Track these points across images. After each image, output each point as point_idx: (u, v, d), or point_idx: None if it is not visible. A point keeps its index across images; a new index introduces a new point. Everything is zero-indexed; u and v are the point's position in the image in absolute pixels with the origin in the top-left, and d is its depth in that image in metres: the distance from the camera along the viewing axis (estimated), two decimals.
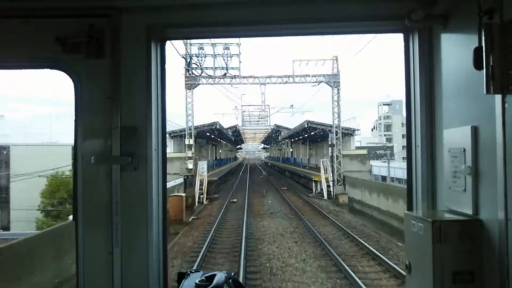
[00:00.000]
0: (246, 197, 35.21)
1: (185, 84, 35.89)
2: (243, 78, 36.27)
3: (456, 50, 2.08)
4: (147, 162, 2.34)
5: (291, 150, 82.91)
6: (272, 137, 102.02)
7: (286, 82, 36.47)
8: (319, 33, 2.72)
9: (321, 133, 46.64)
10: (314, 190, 39.18)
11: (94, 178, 2.35)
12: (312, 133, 47.58)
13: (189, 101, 36.56)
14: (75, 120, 2.37)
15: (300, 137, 58.89)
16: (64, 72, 2.39)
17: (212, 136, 52.71)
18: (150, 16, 2.36)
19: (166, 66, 2.52)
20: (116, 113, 2.31)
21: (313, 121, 42.05)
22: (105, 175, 2.32)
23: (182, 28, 2.48)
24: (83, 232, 2.34)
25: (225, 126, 59.33)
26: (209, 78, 36.34)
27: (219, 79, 36.32)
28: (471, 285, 1.87)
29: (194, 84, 36.43)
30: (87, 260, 2.33)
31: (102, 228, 2.32)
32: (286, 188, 43.09)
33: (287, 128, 72.66)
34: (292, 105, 51.76)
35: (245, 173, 76.40)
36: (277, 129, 74.46)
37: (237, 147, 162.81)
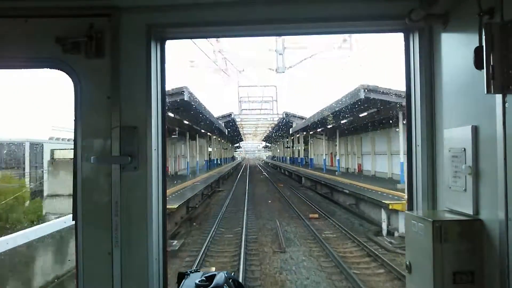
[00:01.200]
0: (241, 258, 14.59)
1: None
2: None
3: (457, 49, 2.09)
4: (147, 162, 2.34)
5: (304, 147, 62.64)
6: (273, 137, 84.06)
7: None
8: (320, 33, 2.71)
9: (379, 113, 25.88)
10: (385, 227, 18.63)
11: (94, 178, 2.35)
12: (358, 114, 26.76)
13: None
14: (75, 120, 2.36)
15: (331, 125, 36.26)
16: (64, 71, 2.39)
17: (187, 122, 31.82)
18: (150, 16, 2.37)
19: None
20: (115, 113, 2.32)
21: (377, 88, 21.11)
22: (105, 175, 2.32)
23: (182, 27, 2.46)
24: (83, 232, 2.33)
25: (216, 112, 40.87)
26: None
27: None
28: (472, 285, 1.86)
29: None
30: (87, 260, 2.33)
31: (101, 228, 2.32)
32: (317, 216, 22.75)
33: (300, 118, 53.43)
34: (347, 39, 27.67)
35: (243, 177, 55.33)
36: (287, 119, 55.06)
37: (236, 145, 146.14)
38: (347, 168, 43.44)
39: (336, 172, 38.48)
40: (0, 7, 2.32)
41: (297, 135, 59.41)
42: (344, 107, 26.27)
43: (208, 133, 50.91)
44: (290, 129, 56.08)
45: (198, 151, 47.79)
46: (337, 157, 43.35)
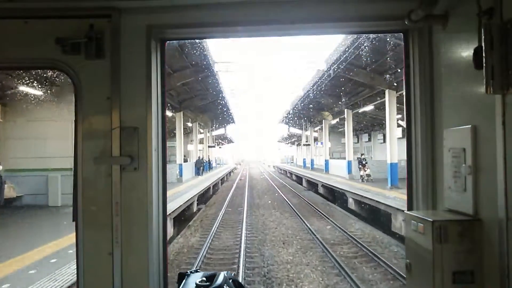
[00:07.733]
0: None
1: None
2: None
3: (456, 50, 2.11)
4: (147, 163, 2.37)
5: None
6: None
7: None
8: (319, 33, 2.68)
9: None
10: None
11: (94, 178, 2.38)
12: None
13: None
14: (75, 121, 2.41)
15: None
16: (64, 72, 2.43)
17: None
18: (150, 17, 2.39)
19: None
20: (116, 114, 2.35)
21: None
22: (105, 175, 2.36)
23: (182, 28, 2.51)
24: (83, 233, 2.36)
25: None
26: None
27: None
28: (471, 285, 1.89)
29: None
30: (87, 260, 2.36)
31: (102, 228, 2.35)
32: None
33: None
34: None
35: None
36: None
37: (217, 134, 65.36)
38: None
39: None
40: (0, 7, 2.35)
41: None
42: None
43: None
44: None
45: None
46: None
